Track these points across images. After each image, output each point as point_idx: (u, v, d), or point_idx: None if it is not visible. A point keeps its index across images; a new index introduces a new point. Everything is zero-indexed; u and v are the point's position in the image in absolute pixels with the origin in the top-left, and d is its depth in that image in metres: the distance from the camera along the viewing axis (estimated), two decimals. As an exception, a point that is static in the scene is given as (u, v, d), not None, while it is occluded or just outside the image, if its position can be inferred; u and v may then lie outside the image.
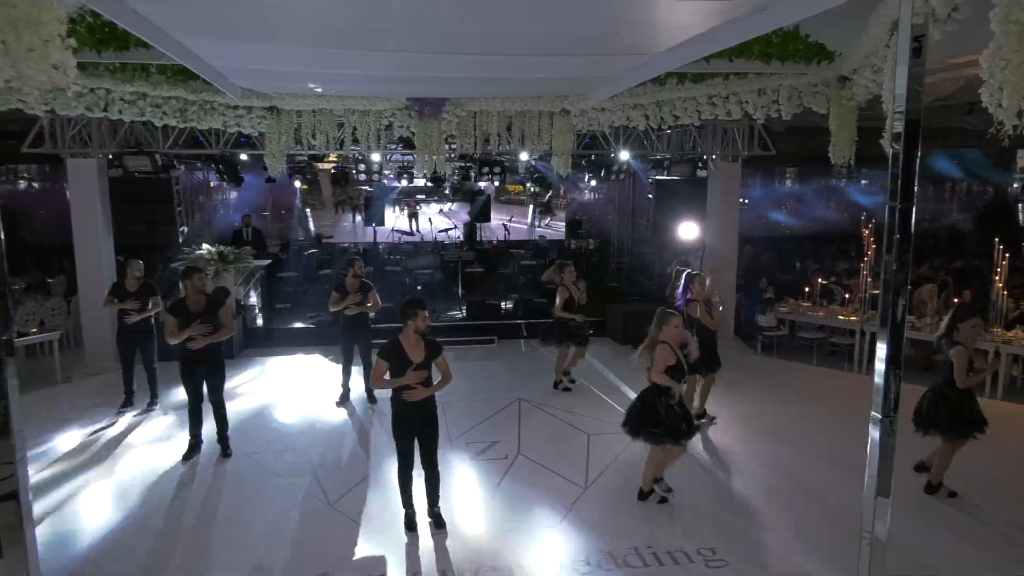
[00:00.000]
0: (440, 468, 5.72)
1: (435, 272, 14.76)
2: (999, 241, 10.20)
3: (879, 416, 4.25)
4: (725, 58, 7.34)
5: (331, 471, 6.79)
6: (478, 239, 16.52)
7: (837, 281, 13.14)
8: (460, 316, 12.93)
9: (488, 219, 16.38)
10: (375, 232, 16.21)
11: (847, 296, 11.54)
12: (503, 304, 13.30)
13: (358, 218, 16.48)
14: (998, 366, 9.37)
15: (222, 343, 7.00)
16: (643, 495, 6.16)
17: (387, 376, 5.49)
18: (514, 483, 6.56)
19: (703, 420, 8.07)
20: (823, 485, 6.55)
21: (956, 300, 10.20)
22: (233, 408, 7.95)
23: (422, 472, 5.66)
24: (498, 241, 16.80)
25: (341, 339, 8.79)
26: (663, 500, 6.11)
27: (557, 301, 9.17)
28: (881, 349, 4.07)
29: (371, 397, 8.79)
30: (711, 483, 6.63)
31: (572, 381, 9.44)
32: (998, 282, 9.80)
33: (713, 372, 8.09)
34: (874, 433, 4.23)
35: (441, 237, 16.50)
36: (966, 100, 14.82)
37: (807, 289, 11.79)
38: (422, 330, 5.42)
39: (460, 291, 13.59)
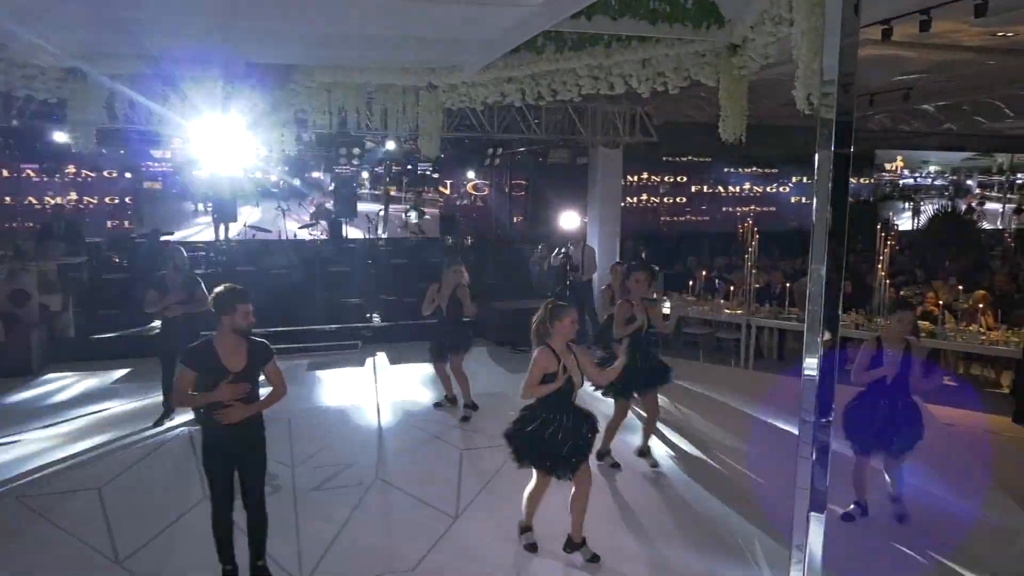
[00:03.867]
0: (273, 505, 4.43)
1: (293, 272, 13.20)
2: (881, 229, 10.03)
3: (812, 419, 3.41)
4: (608, 16, 6.52)
5: (126, 519, 5.29)
6: (344, 236, 15.08)
7: (717, 276, 12.85)
8: (320, 319, 11.48)
9: (354, 214, 14.98)
10: (227, 228, 14.41)
11: (731, 289, 11.11)
12: (369, 306, 12.00)
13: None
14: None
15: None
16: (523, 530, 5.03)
17: (192, 390, 4.19)
18: (367, 517, 5.35)
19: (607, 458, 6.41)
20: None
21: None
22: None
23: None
24: (366, 238, 15.43)
25: (161, 349, 7.21)
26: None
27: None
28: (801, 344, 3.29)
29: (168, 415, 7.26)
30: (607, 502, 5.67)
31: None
32: (881, 270, 9.57)
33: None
34: (806, 438, 3.41)
35: (303, 235, 14.96)
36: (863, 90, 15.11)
37: (691, 283, 11.32)
38: (242, 328, 4.16)
39: (321, 292, 12.14)
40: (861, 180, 22.39)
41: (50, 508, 5.38)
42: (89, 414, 7.57)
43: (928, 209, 20.91)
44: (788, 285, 10.42)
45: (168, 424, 7.13)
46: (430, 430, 7.24)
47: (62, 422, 7.33)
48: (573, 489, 4.71)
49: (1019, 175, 22.59)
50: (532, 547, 4.87)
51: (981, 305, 9.00)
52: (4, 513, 5.32)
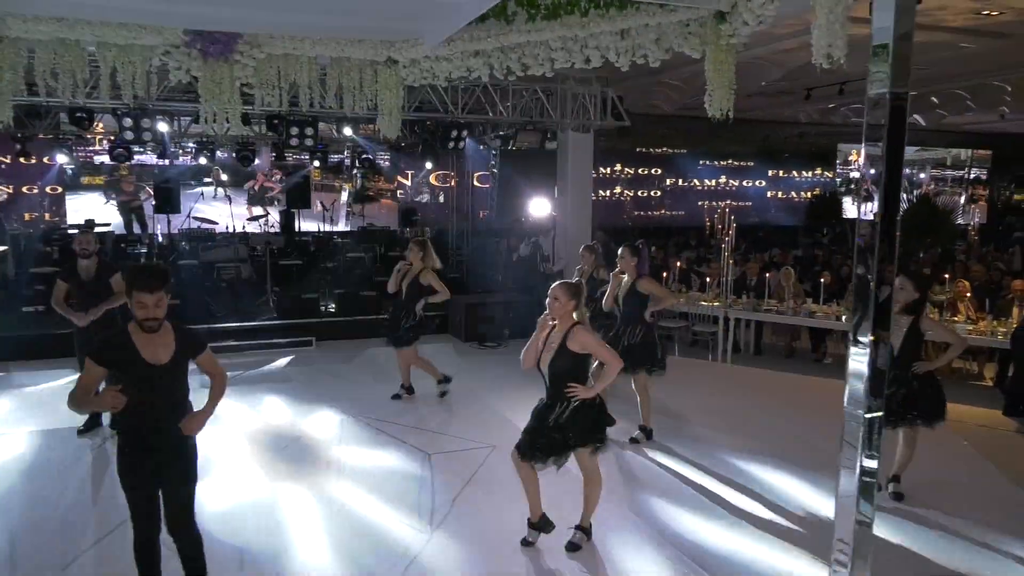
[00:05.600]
0: (204, 524, 3.71)
1: (242, 265, 12.36)
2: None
3: (863, 413, 2.87)
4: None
5: (31, 544, 4.50)
6: (296, 228, 14.26)
7: (687, 268, 12.44)
8: (271, 314, 10.68)
9: (308, 204, 14.15)
10: (168, 221, 13.42)
11: (708, 280, 10.65)
12: (324, 300, 11.25)
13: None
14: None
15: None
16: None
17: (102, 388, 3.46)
18: (329, 532, 4.64)
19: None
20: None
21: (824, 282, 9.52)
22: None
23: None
24: (320, 231, 14.62)
25: (77, 345, 6.31)
26: (524, 542, 4.44)
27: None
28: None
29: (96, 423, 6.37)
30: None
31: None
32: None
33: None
34: (853, 432, 2.89)
35: (252, 226, 14.07)
36: (802, 85, 14.88)
37: (664, 275, 10.83)
38: (139, 322, 3.36)
39: (272, 286, 11.33)
40: (825, 173, 22.37)
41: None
42: (3, 419, 6.68)
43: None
44: (768, 275, 9.99)
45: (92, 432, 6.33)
46: (393, 432, 6.55)
47: (-29, 430, 6.44)
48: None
49: (973, 170, 22.81)
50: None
51: (968, 295, 8.68)
52: None
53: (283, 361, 9.03)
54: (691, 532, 4.72)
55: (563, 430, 4.10)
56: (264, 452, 5.95)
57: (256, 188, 15.10)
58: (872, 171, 2.88)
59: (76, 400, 3.40)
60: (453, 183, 15.74)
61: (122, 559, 3.75)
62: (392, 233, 14.72)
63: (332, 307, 11.10)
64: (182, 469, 3.56)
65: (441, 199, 16.52)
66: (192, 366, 3.58)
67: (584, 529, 4.38)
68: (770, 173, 22.23)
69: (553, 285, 4.25)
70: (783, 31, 9.17)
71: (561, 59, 7.63)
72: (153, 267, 3.45)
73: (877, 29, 2.77)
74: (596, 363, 4.28)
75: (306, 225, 14.69)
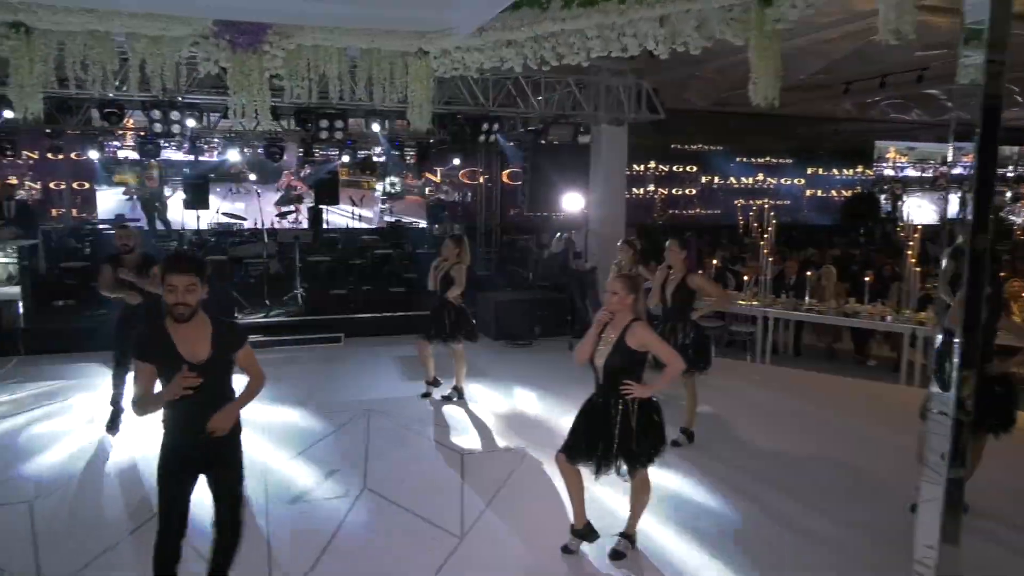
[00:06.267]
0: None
1: (270, 261, 12.27)
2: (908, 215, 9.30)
3: (950, 420, 2.59)
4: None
5: (58, 540, 4.37)
6: (324, 224, 14.17)
7: (723, 267, 12.11)
8: (300, 311, 10.56)
9: (336, 201, 14.05)
10: (198, 217, 13.41)
11: (745, 279, 10.32)
12: (352, 297, 11.12)
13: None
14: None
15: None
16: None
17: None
18: (354, 535, 4.46)
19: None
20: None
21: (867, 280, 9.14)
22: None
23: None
24: (348, 228, 14.53)
25: (115, 336, 6.20)
26: (565, 550, 4.21)
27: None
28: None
29: (113, 410, 6.26)
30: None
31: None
32: (911, 258, 8.82)
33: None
34: (940, 436, 2.62)
35: (280, 222, 14.00)
36: (841, 78, 14.39)
37: (700, 273, 10.52)
38: (169, 309, 3.20)
39: (300, 282, 11.21)
40: (864, 171, 21.72)
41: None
42: (32, 414, 6.60)
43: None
44: (808, 274, 9.64)
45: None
46: (423, 432, 6.37)
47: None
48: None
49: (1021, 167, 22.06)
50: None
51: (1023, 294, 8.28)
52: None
53: (311, 357, 8.88)
54: (741, 540, 4.46)
55: (618, 435, 3.85)
56: (291, 451, 5.78)
57: (284, 187, 15.05)
58: (959, 170, 2.59)
59: (139, 403, 3.27)
60: (482, 179, 15.55)
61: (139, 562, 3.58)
62: (421, 230, 14.57)
63: (360, 303, 10.95)
64: (230, 468, 3.41)
65: (469, 197, 16.36)
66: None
67: (629, 537, 4.14)
68: (805, 171, 21.71)
69: (611, 278, 4.03)
70: (825, 19, 8.81)
71: (598, 48, 7.39)
72: (187, 253, 3.28)
73: (971, 5, 2.47)
74: None
75: (334, 221, 14.61)
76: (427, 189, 16.12)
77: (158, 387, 3.27)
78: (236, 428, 3.43)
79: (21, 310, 9.12)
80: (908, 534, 4.43)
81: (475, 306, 10.20)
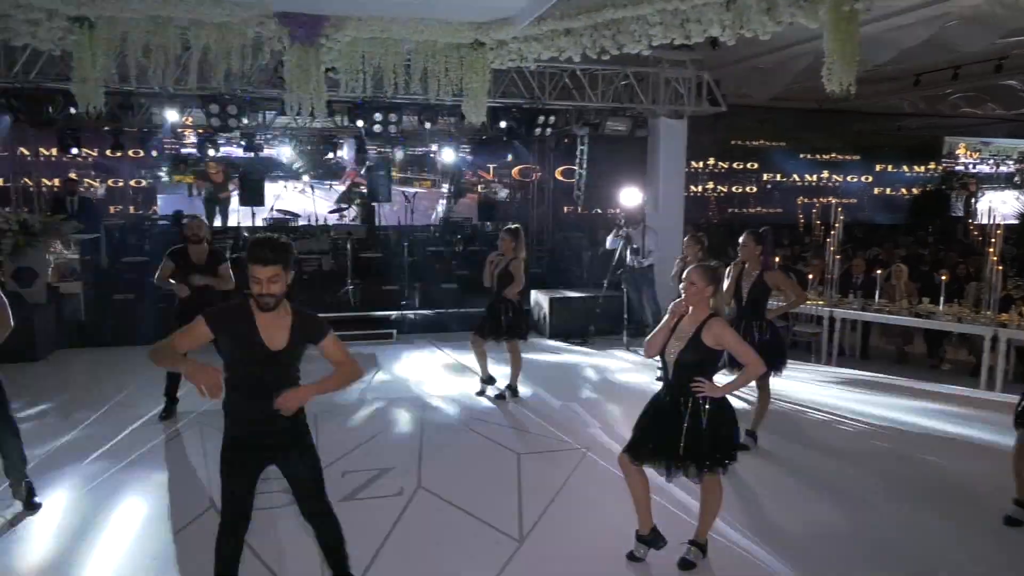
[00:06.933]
0: (293, 519, 3.41)
1: (323, 257, 12.31)
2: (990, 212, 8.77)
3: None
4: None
5: (112, 534, 4.32)
6: (377, 222, 14.16)
7: (785, 266, 11.68)
8: (352, 307, 10.53)
9: (389, 198, 14.01)
10: (252, 213, 13.54)
11: (810, 277, 9.89)
12: (405, 294, 11.03)
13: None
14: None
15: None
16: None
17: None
18: (410, 535, 4.30)
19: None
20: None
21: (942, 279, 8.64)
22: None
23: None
24: (401, 224, 14.49)
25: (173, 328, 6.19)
26: (631, 557, 3.97)
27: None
28: None
29: (167, 399, 6.28)
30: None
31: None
32: (993, 255, 8.29)
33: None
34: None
35: (334, 219, 14.04)
36: (910, 69, 13.73)
37: (778, 270, 10.11)
38: (255, 298, 3.07)
39: (352, 278, 11.19)
40: (932, 168, 20.79)
41: (21, 511, 4.42)
42: (92, 404, 6.65)
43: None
44: (878, 272, 9.17)
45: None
46: (478, 429, 6.20)
47: (57, 413, 6.42)
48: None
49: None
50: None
51: None
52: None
53: (363, 354, 8.80)
54: (818, 549, 4.16)
55: (685, 435, 3.61)
56: (344, 448, 5.67)
57: (347, 184, 15.09)
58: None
59: (159, 351, 3.12)
60: (536, 176, 15.36)
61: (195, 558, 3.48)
62: (473, 227, 14.46)
63: (413, 300, 10.87)
64: (304, 455, 3.28)
65: (519, 195, 16.19)
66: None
67: (699, 545, 3.88)
68: (870, 168, 20.89)
69: (689, 268, 3.77)
70: (902, 2, 8.34)
71: (659, 35, 7.15)
72: (272, 240, 3.14)
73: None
74: None
75: (387, 217, 14.60)
76: (479, 186, 15.99)
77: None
78: (300, 413, 3.30)
79: (83, 304, 9.29)
80: (997, 547, 4.14)
81: (529, 303, 10.05)
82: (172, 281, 6.11)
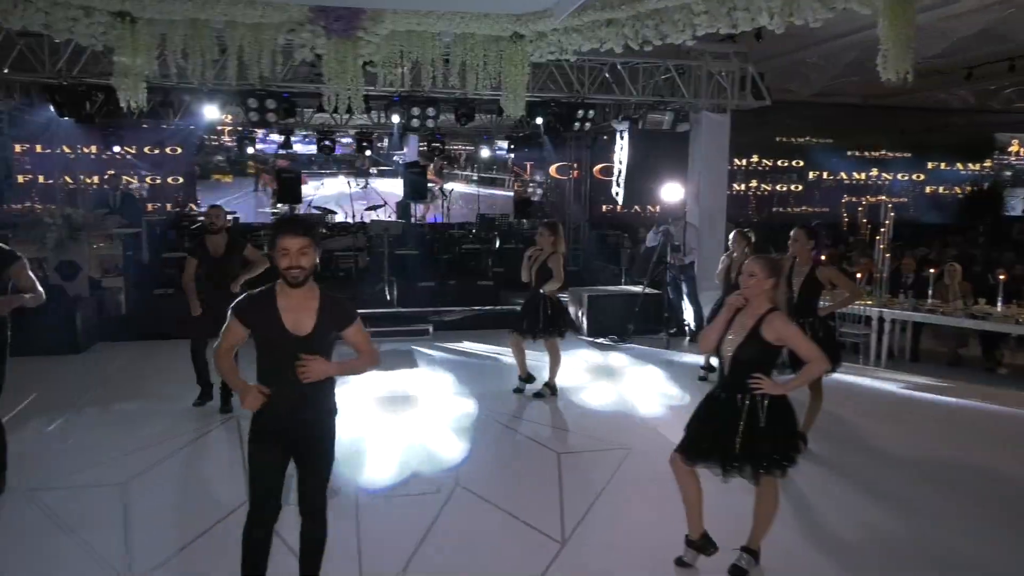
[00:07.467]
0: (328, 515, 3.28)
1: (359, 254, 12.29)
2: None
3: None
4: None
5: (148, 522, 4.27)
6: (413, 219, 14.12)
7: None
8: (388, 303, 10.49)
9: (424, 197, 13.97)
10: (292, 209, 13.59)
11: (858, 275, 9.56)
12: (441, 290, 10.95)
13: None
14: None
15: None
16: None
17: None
18: (449, 534, 4.18)
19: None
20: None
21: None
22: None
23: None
24: (437, 221, 14.46)
25: (196, 319, 6.15)
26: (680, 562, 3.79)
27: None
28: None
29: (223, 396, 6.21)
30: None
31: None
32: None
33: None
34: None
35: (369, 216, 14.04)
36: (962, 62, 13.25)
37: (831, 265, 9.79)
38: (283, 273, 3.00)
39: (389, 275, 11.14)
40: (982, 166, 20.07)
41: (61, 505, 4.41)
42: (132, 397, 6.67)
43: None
44: (931, 270, 8.82)
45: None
46: (517, 429, 6.07)
47: (98, 405, 6.44)
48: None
49: None
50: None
51: None
52: (10, 509, 4.36)
53: (400, 350, 8.73)
54: (875, 558, 3.94)
55: (742, 434, 3.42)
56: (380, 444, 5.58)
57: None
58: None
59: (217, 360, 3.21)
60: (575, 173, 15.19)
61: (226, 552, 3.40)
62: (510, 224, 14.35)
63: (449, 297, 10.79)
64: (319, 450, 3.19)
65: (551, 194, 16.05)
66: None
67: (752, 552, 3.68)
68: (917, 165, 20.25)
69: (749, 259, 3.60)
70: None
71: (704, 24, 6.93)
72: (298, 216, 3.07)
73: None
74: None
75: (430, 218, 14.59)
76: (515, 184, 15.88)
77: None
78: (330, 408, 3.22)
79: (123, 298, 9.37)
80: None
81: (567, 301, 9.88)
82: (193, 290, 6.12)
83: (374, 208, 14.23)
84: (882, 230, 9.15)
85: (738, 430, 3.41)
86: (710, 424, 3.54)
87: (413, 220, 13.93)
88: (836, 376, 5.83)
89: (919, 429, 6.31)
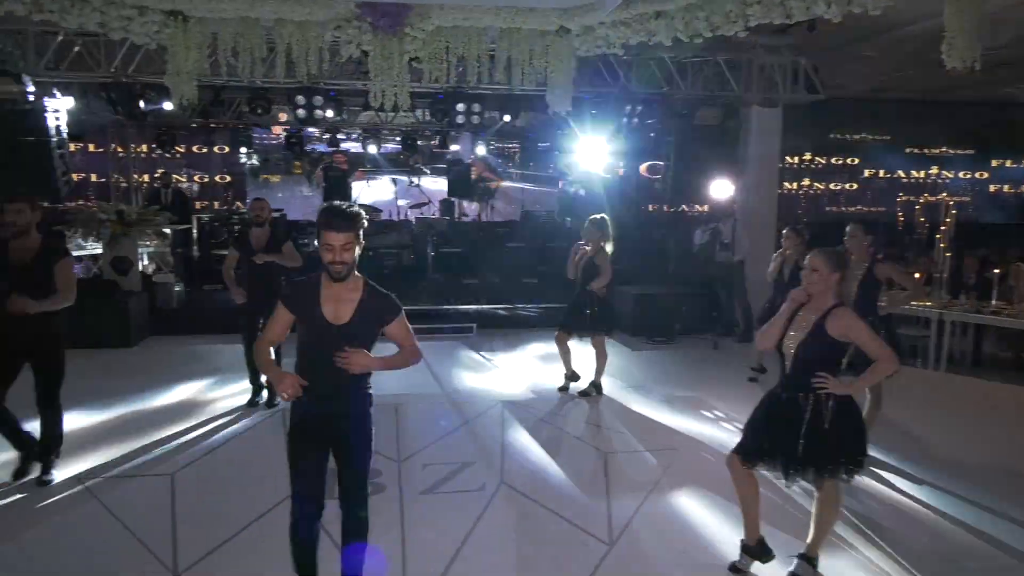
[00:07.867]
0: (372, 510, 3.23)
1: (403, 252, 12.32)
2: None
3: None
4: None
5: (196, 512, 4.29)
6: (457, 216, 14.12)
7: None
8: (432, 300, 10.48)
9: (468, 194, 13.95)
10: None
11: (917, 275, 9.20)
12: (485, 288, 10.91)
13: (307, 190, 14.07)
14: None
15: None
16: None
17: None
18: (494, 532, 4.10)
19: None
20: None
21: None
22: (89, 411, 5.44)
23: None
24: (481, 219, 14.41)
25: (247, 319, 6.18)
26: (734, 569, 3.65)
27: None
28: None
29: (269, 391, 6.23)
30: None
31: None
32: None
33: None
34: None
35: (414, 214, 14.08)
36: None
37: (890, 263, 9.45)
38: (327, 267, 2.98)
39: (433, 272, 11.15)
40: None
41: (109, 493, 4.47)
42: (181, 391, 6.76)
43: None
44: (996, 270, 8.43)
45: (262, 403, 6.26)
46: (562, 428, 5.97)
47: (148, 398, 6.54)
48: None
49: None
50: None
51: None
52: (59, 497, 4.44)
53: (444, 347, 8.70)
54: (946, 568, 3.74)
55: (805, 435, 3.26)
56: (424, 441, 5.54)
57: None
58: None
59: (256, 354, 3.23)
60: (620, 172, 14.98)
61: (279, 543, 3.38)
62: (554, 222, 14.22)
63: (493, 294, 10.75)
64: (357, 442, 3.14)
65: (593, 191, 15.85)
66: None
67: (810, 560, 3.51)
68: (980, 163, 19.45)
69: (811, 254, 3.43)
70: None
71: (758, 15, 6.72)
72: (342, 208, 3.03)
73: None
74: None
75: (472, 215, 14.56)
76: (560, 181, 15.74)
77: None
78: (366, 400, 3.17)
79: (174, 293, 9.54)
80: None
81: (613, 299, 9.74)
82: (234, 281, 6.15)
83: (419, 206, 14.26)
84: (943, 228, 8.79)
85: (801, 431, 3.25)
86: (771, 425, 3.39)
87: (459, 218, 13.94)
88: (895, 378, 5.59)
89: (979, 434, 6.03)
